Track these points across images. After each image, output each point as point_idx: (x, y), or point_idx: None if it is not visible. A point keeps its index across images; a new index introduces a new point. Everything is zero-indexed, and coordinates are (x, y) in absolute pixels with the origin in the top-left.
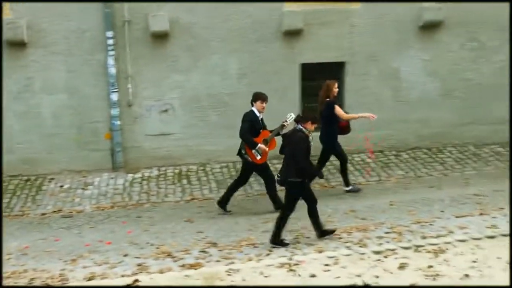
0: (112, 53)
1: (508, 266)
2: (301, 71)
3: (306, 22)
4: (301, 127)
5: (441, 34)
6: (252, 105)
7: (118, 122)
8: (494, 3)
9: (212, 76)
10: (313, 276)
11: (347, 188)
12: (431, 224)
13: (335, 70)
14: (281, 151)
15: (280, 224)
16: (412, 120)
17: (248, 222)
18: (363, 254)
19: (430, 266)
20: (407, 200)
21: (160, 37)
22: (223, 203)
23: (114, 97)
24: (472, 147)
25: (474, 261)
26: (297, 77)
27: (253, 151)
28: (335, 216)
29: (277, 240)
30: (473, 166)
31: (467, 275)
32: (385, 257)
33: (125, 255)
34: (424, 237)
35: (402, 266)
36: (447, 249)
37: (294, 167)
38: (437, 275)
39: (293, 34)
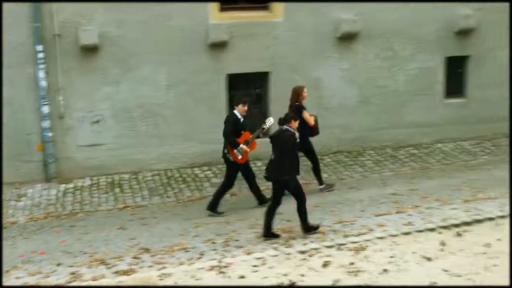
0: (42, 66)
1: (422, 259)
2: (227, 81)
3: (231, 34)
4: (287, 127)
5: (358, 44)
6: (234, 108)
7: (50, 134)
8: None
9: (141, 87)
10: (242, 277)
11: (321, 187)
12: (352, 223)
13: (260, 80)
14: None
15: (270, 218)
16: (334, 126)
17: (179, 227)
18: (289, 254)
19: (352, 263)
20: (330, 201)
21: (90, 50)
22: (213, 206)
23: (46, 109)
24: (390, 150)
25: (392, 257)
26: (223, 87)
27: (235, 150)
28: (262, 219)
29: (269, 234)
30: (390, 167)
31: (385, 270)
32: (310, 256)
33: (59, 264)
34: (346, 236)
35: (325, 264)
36: (367, 246)
37: (282, 165)
38: (358, 271)
39: (219, 46)
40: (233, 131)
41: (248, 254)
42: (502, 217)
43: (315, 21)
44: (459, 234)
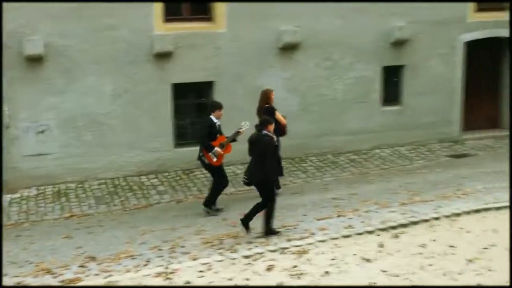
0: None
1: (362, 261)
2: (172, 91)
3: (175, 45)
4: (266, 132)
5: (299, 54)
6: (210, 114)
7: None
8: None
9: (87, 97)
10: (188, 283)
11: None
12: (295, 228)
13: (205, 89)
14: (250, 154)
15: (269, 216)
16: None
17: (126, 235)
18: (234, 259)
19: (295, 266)
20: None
21: (35, 60)
22: (209, 203)
23: None
24: (331, 156)
25: (333, 259)
26: (169, 96)
27: (210, 153)
28: (208, 225)
29: (269, 230)
30: (331, 173)
31: (327, 272)
32: (254, 260)
33: (5, 275)
34: (289, 240)
35: (269, 268)
36: (309, 249)
37: (265, 167)
38: (301, 274)
39: (164, 56)
40: (208, 134)
41: (194, 260)
42: (436, 218)
43: (257, 32)
44: (396, 236)
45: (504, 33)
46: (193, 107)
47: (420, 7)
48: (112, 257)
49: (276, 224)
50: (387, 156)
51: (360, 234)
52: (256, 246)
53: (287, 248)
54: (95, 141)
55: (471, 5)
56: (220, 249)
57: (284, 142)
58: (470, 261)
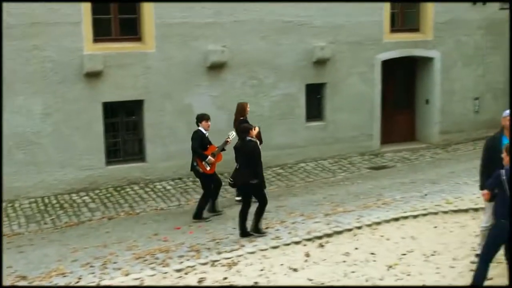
0: None
1: (290, 270)
2: (103, 109)
3: (105, 64)
4: (249, 138)
5: (226, 73)
6: (198, 125)
7: None
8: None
9: (16, 117)
10: None
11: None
12: (225, 240)
13: (135, 107)
14: (237, 160)
15: (244, 220)
16: None
17: (57, 253)
18: (166, 273)
19: (225, 278)
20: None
21: None
22: (198, 215)
23: None
24: None
25: (262, 270)
26: (99, 114)
27: (203, 163)
28: (140, 240)
29: (245, 234)
30: None
31: (256, 283)
32: (186, 274)
33: None
34: (219, 252)
35: (200, 281)
36: (239, 261)
37: (251, 171)
38: (231, 285)
39: (94, 76)
40: (200, 145)
41: (126, 275)
42: (358, 227)
43: (185, 52)
44: (321, 245)
45: (417, 52)
46: (124, 125)
47: (340, 28)
48: (43, 275)
49: (206, 237)
50: (311, 170)
51: (287, 244)
52: (188, 260)
53: (217, 260)
54: (26, 160)
55: (387, 26)
56: (152, 263)
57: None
58: (390, 267)
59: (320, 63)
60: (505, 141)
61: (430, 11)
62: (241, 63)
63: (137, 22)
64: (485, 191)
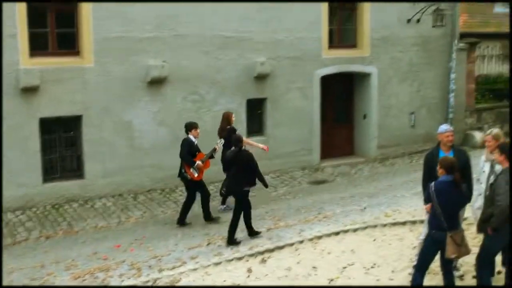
0: None
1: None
2: (40, 125)
3: (42, 79)
4: (244, 147)
5: (167, 88)
6: (188, 134)
7: None
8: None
9: None
10: None
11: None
12: (167, 258)
13: (73, 123)
14: (227, 169)
15: (234, 227)
16: (146, 165)
17: None
18: None
19: None
20: (146, 237)
21: None
22: (181, 220)
23: None
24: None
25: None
26: (36, 130)
27: (191, 169)
28: (79, 259)
29: (232, 241)
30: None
31: None
32: None
33: None
34: (161, 270)
35: None
36: (181, 278)
37: (247, 178)
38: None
39: (30, 91)
40: (189, 152)
41: None
42: (300, 242)
43: (125, 67)
44: (264, 261)
45: (354, 68)
46: (62, 141)
47: (280, 44)
48: None
49: (147, 254)
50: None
51: (229, 260)
52: (128, 278)
53: (159, 278)
54: None
55: (325, 43)
56: (91, 283)
57: (154, 174)
58: (331, 280)
59: (261, 78)
60: (442, 155)
61: (366, 28)
62: (182, 78)
63: (75, 36)
64: (428, 205)
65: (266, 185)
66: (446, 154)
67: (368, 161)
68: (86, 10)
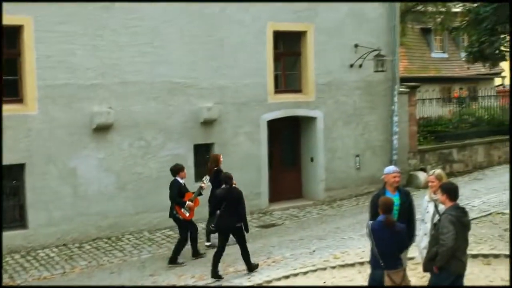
0: None
1: None
2: None
3: None
4: (234, 185)
5: (113, 134)
6: (175, 176)
7: None
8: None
9: None
10: None
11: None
12: None
13: (16, 171)
14: (218, 207)
15: (217, 260)
16: (92, 213)
17: None
18: None
19: None
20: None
21: None
22: (174, 260)
23: None
24: (147, 233)
25: None
26: None
27: (183, 210)
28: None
29: (216, 275)
30: (148, 249)
31: None
32: None
33: None
34: None
35: None
36: None
37: (237, 215)
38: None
39: None
40: (178, 194)
41: None
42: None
43: (70, 114)
44: None
45: (300, 112)
46: (4, 190)
47: (226, 90)
48: None
49: None
50: (201, 230)
51: None
52: None
53: None
54: None
55: (271, 88)
56: None
57: (99, 222)
58: None
59: (208, 123)
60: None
61: (311, 73)
62: (128, 124)
63: (18, 83)
64: None
65: (245, 224)
66: (392, 195)
67: (316, 203)
68: (29, 57)
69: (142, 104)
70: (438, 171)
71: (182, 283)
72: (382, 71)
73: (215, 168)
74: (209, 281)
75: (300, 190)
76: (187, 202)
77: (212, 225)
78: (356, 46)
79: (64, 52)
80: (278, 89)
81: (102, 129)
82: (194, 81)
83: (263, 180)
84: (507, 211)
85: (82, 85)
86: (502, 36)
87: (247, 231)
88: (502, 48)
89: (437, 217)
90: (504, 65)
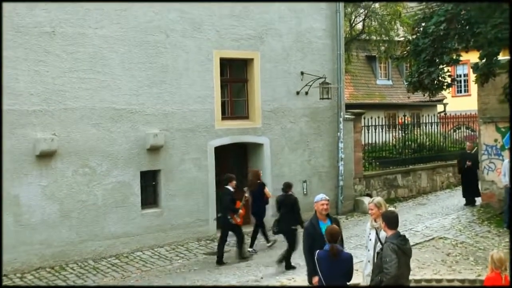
0: None
1: None
2: None
3: None
4: (290, 192)
5: (56, 161)
6: (227, 185)
7: None
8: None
9: None
10: None
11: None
12: None
13: None
14: (279, 210)
15: (289, 254)
16: (34, 242)
17: None
18: None
19: None
20: None
21: None
22: (220, 259)
23: None
24: (92, 262)
25: None
26: None
27: (235, 216)
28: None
29: (289, 265)
30: (93, 279)
31: None
32: None
33: None
34: None
35: None
36: None
37: (294, 218)
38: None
39: None
40: (231, 201)
41: None
42: None
43: (12, 141)
44: None
45: (247, 139)
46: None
47: (173, 116)
48: None
49: None
50: (148, 258)
51: None
52: None
53: None
54: None
55: (218, 114)
56: None
57: (42, 251)
58: None
59: (154, 150)
60: (322, 225)
61: (257, 100)
62: (72, 151)
63: None
64: (316, 278)
65: (302, 226)
66: (324, 223)
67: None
68: None
69: (87, 131)
70: (377, 199)
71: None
72: (328, 98)
73: (258, 182)
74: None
75: (248, 217)
76: (239, 210)
77: (275, 228)
78: (302, 73)
79: (7, 77)
80: (225, 116)
81: (46, 156)
82: (139, 107)
83: (211, 206)
84: (449, 236)
85: (25, 111)
86: (440, 67)
87: (302, 227)
88: (440, 78)
89: (379, 244)
90: (445, 93)
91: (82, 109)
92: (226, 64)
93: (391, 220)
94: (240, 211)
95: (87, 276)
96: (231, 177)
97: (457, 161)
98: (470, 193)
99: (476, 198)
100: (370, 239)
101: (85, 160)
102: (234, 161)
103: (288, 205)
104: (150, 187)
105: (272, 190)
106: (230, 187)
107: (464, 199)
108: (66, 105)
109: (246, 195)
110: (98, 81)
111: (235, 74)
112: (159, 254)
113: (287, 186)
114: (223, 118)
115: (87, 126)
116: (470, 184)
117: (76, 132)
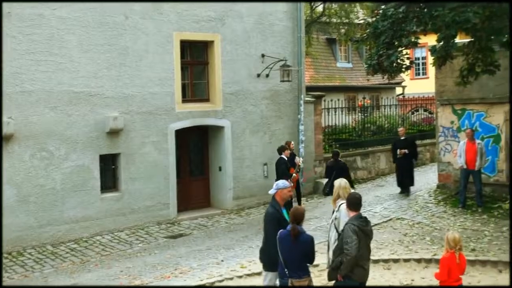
0: None
1: None
2: None
3: None
4: (339, 159)
5: (14, 145)
6: (281, 154)
7: None
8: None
9: None
10: None
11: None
12: None
13: None
14: (329, 175)
15: None
16: None
17: None
18: None
19: None
20: None
21: None
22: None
23: None
24: (50, 247)
25: None
26: None
27: (289, 180)
28: None
29: None
30: (51, 264)
31: None
32: None
33: None
34: None
35: None
36: None
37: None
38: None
39: None
40: (285, 168)
41: None
42: None
43: None
44: None
45: (208, 121)
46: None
47: (133, 99)
48: None
49: None
50: (107, 242)
51: None
52: None
53: None
54: None
55: (178, 97)
56: None
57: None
58: None
59: (113, 133)
60: (283, 211)
61: (218, 82)
62: (29, 134)
63: None
64: None
65: (352, 186)
66: (283, 209)
67: (224, 212)
68: None
69: (44, 114)
70: (339, 180)
71: None
72: (288, 81)
73: (289, 152)
74: None
75: (209, 199)
76: (294, 174)
77: (327, 189)
78: (263, 56)
79: None
80: (186, 98)
81: (4, 139)
82: (98, 90)
83: (171, 189)
84: (406, 216)
85: None
86: (399, 49)
87: (352, 187)
88: (399, 61)
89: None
90: (404, 75)
91: (39, 92)
92: (187, 46)
93: (353, 201)
94: (294, 175)
95: (45, 261)
96: (285, 147)
97: (391, 149)
98: (404, 183)
99: (410, 188)
100: (332, 221)
101: (43, 144)
102: (195, 144)
103: (338, 169)
104: (109, 171)
105: (233, 174)
106: (284, 156)
107: (399, 188)
108: (23, 88)
109: (299, 161)
110: (56, 63)
111: (195, 56)
112: (119, 238)
113: (336, 154)
114: (183, 101)
115: (45, 109)
116: (403, 172)
117: (34, 115)
